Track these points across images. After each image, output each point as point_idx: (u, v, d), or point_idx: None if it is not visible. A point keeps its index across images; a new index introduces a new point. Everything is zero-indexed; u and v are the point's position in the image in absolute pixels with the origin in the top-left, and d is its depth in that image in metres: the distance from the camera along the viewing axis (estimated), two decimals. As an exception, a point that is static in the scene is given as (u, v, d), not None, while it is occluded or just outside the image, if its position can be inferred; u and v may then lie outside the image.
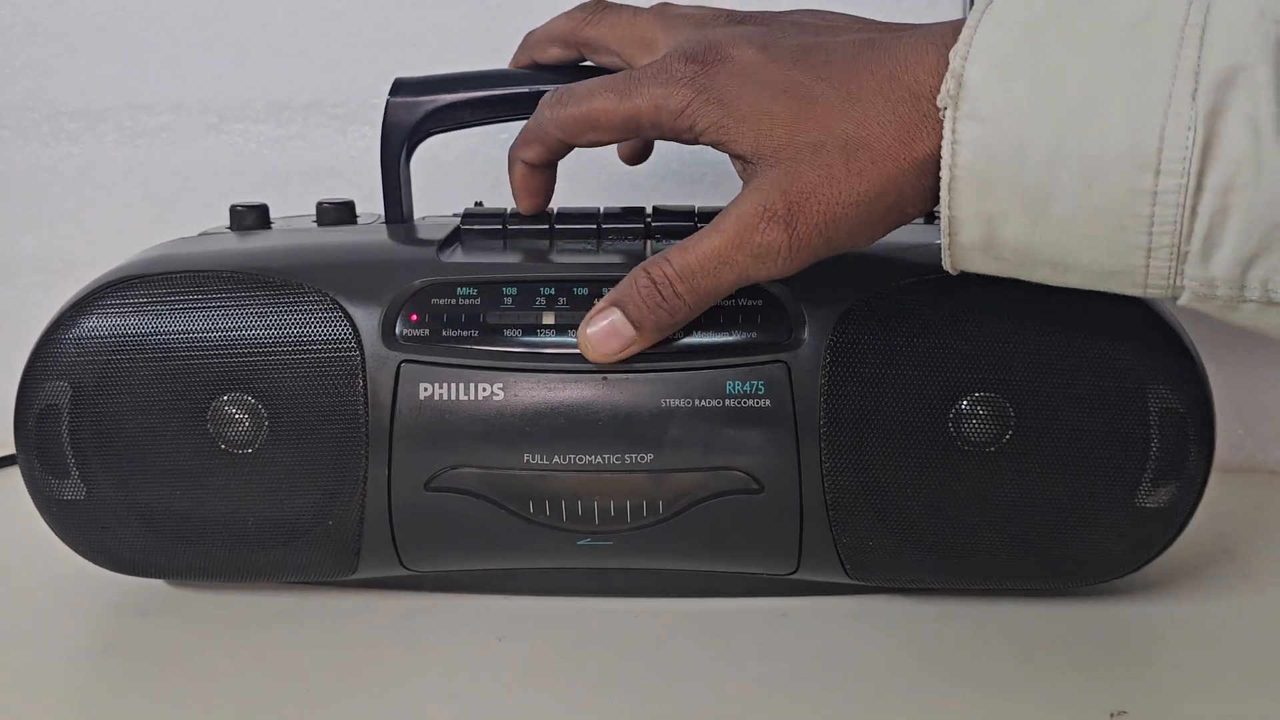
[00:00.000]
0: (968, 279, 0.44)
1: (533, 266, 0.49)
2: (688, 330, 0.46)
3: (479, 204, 0.56)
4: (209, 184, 0.73)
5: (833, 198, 0.41)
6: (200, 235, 0.56)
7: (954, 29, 0.40)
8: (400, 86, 0.54)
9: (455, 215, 0.55)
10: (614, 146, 0.55)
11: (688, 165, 0.72)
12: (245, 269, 0.49)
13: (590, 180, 0.69)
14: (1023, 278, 0.42)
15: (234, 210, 0.56)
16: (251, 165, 0.74)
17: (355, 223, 0.57)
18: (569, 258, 0.49)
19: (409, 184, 0.56)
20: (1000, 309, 0.46)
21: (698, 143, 0.44)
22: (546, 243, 0.51)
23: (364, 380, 0.47)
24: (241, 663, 0.47)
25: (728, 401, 0.46)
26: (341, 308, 0.47)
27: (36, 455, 0.49)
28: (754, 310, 0.47)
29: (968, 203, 0.40)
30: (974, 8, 0.40)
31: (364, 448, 0.47)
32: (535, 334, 0.47)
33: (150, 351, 0.48)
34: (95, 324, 0.48)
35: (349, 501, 0.48)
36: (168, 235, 0.57)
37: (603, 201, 0.55)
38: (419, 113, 0.54)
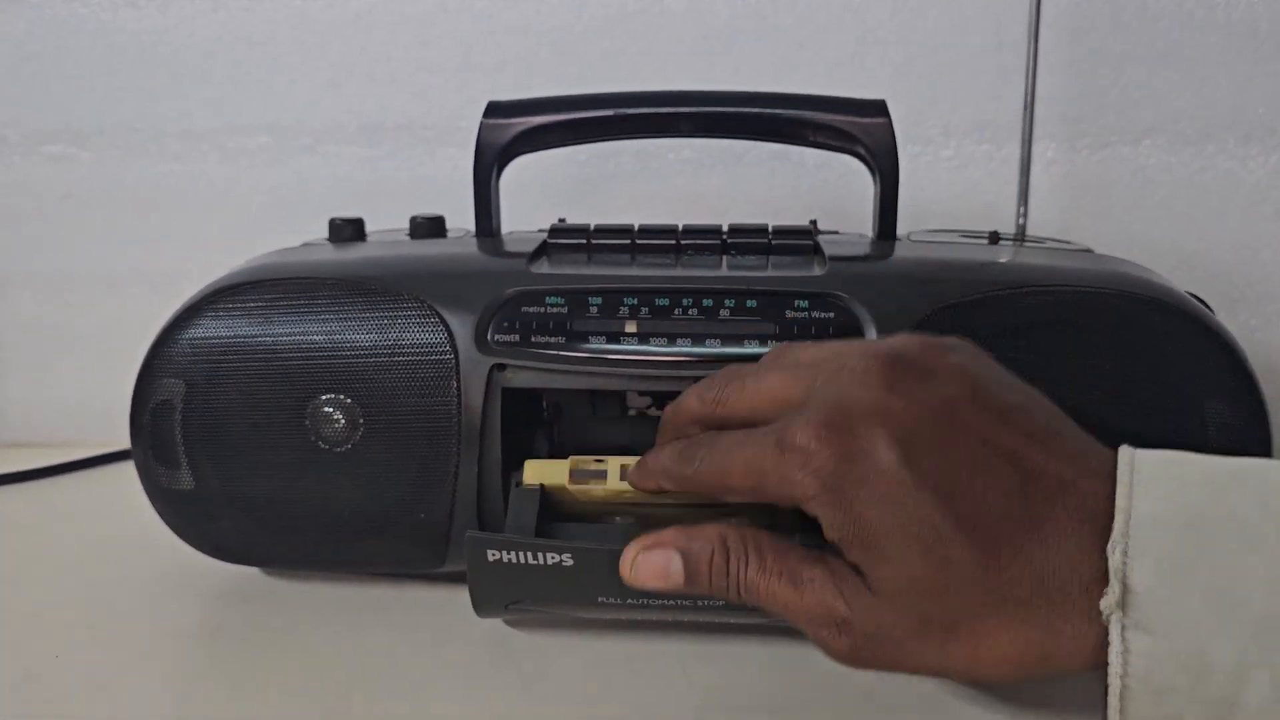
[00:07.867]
0: (1032, 303, 0.45)
1: (616, 278, 0.51)
2: (762, 341, 0.48)
3: (562, 220, 0.59)
4: (302, 201, 0.77)
5: (904, 659, 0.38)
6: (302, 246, 0.59)
7: (1105, 489, 0.37)
8: (493, 109, 0.58)
9: (541, 230, 0.58)
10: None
11: (759, 188, 0.75)
12: (348, 277, 0.51)
13: (665, 201, 0.72)
14: None
15: (333, 223, 0.60)
16: (343, 183, 0.77)
17: (445, 236, 0.60)
18: (650, 270, 0.51)
19: (498, 200, 0.59)
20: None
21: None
22: (628, 256, 0.54)
23: (458, 382, 0.49)
24: (334, 646, 0.50)
25: None
26: (438, 314, 0.50)
27: (151, 447, 0.52)
28: (826, 322, 0.48)
29: (1141, 707, 0.36)
30: (1119, 479, 0.37)
31: (456, 446, 0.50)
32: (618, 341, 0.49)
33: (258, 352, 0.51)
34: (208, 326, 0.52)
35: (440, 496, 0.50)
36: (263, 248, 0.60)
37: (679, 220, 0.57)
38: (510, 134, 0.57)
